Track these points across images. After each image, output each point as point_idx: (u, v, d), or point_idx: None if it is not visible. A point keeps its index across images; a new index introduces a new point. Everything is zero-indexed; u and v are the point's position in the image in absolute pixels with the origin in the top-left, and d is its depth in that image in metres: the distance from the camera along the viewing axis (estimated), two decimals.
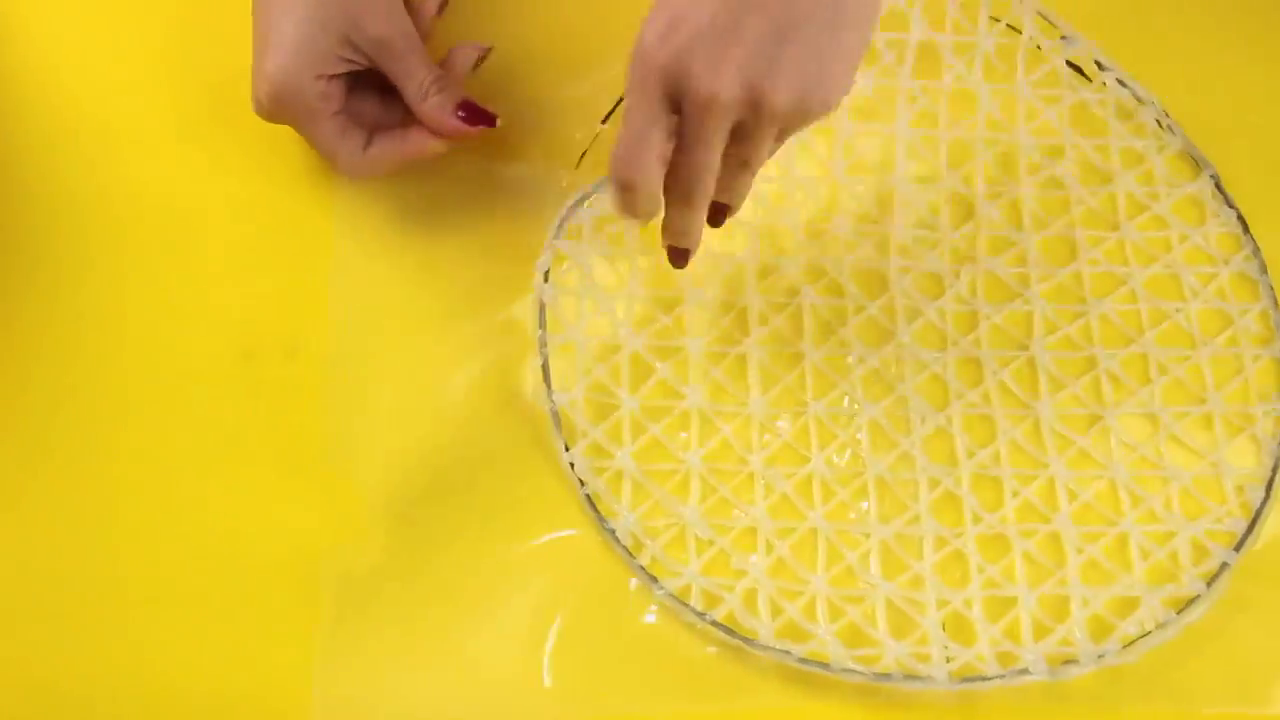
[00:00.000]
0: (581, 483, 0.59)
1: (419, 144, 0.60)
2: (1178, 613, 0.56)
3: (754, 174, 0.55)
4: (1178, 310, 0.63)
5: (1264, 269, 0.63)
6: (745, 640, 0.56)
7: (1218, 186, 0.65)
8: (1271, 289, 0.63)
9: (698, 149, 0.51)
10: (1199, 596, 0.57)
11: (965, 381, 0.61)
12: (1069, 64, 0.67)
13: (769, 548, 0.58)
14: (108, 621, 0.56)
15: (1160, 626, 0.56)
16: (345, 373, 0.61)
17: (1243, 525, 0.58)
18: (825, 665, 0.55)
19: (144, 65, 0.65)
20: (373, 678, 0.56)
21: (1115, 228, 0.64)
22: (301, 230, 0.63)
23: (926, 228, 0.64)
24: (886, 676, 0.55)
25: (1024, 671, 0.55)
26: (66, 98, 0.65)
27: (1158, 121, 0.66)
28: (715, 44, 0.48)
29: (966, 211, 0.65)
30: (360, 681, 0.56)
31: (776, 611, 0.57)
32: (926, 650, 0.56)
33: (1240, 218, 0.64)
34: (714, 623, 0.56)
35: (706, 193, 0.53)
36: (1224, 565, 0.57)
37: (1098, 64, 0.67)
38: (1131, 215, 0.65)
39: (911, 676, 0.55)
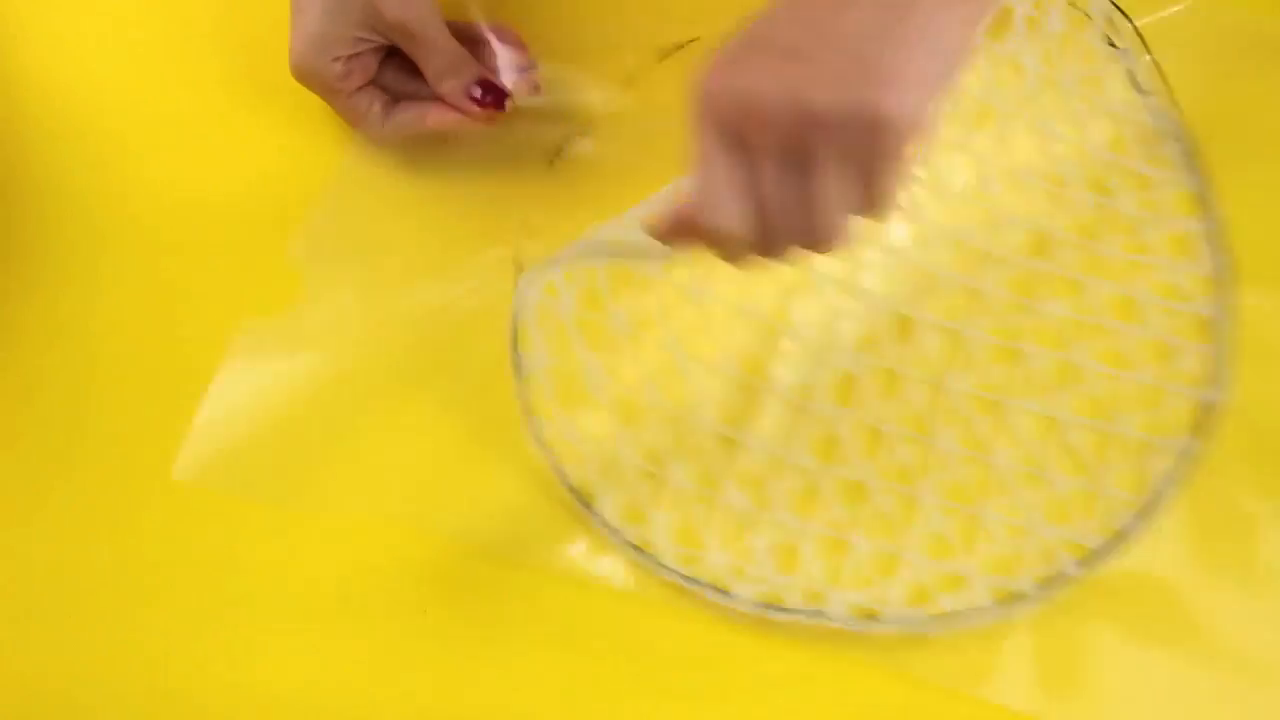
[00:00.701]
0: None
1: (438, 120, 0.63)
2: (998, 603, 0.57)
3: (821, 215, 0.45)
4: (1122, 331, 0.62)
5: (1226, 316, 0.62)
6: (583, 504, 0.59)
7: (1214, 233, 0.64)
8: (1225, 340, 0.62)
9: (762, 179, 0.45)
10: (1027, 596, 0.57)
11: (890, 337, 0.62)
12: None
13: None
14: (107, 621, 0.57)
15: (976, 610, 0.56)
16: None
17: (1099, 544, 0.58)
18: (652, 557, 0.58)
19: (143, 64, 0.68)
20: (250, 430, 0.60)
21: (1095, 236, 0.64)
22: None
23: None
24: (694, 581, 0.57)
25: (819, 613, 0.56)
26: (67, 98, 0.67)
27: (1183, 157, 0.65)
28: (750, 55, 0.45)
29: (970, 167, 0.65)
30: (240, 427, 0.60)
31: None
32: (745, 567, 0.58)
33: (1227, 266, 0.63)
34: (570, 488, 0.59)
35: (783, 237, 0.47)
36: (1062, 574, 0.57)
37: (1138, 85, 0.66)
38: (1117, 231, 0.64)
39: (720, 590, 0.57)
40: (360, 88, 0.62)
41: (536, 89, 0.64)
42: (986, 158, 0.65)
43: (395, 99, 0.63)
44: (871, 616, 0.56)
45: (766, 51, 0.44)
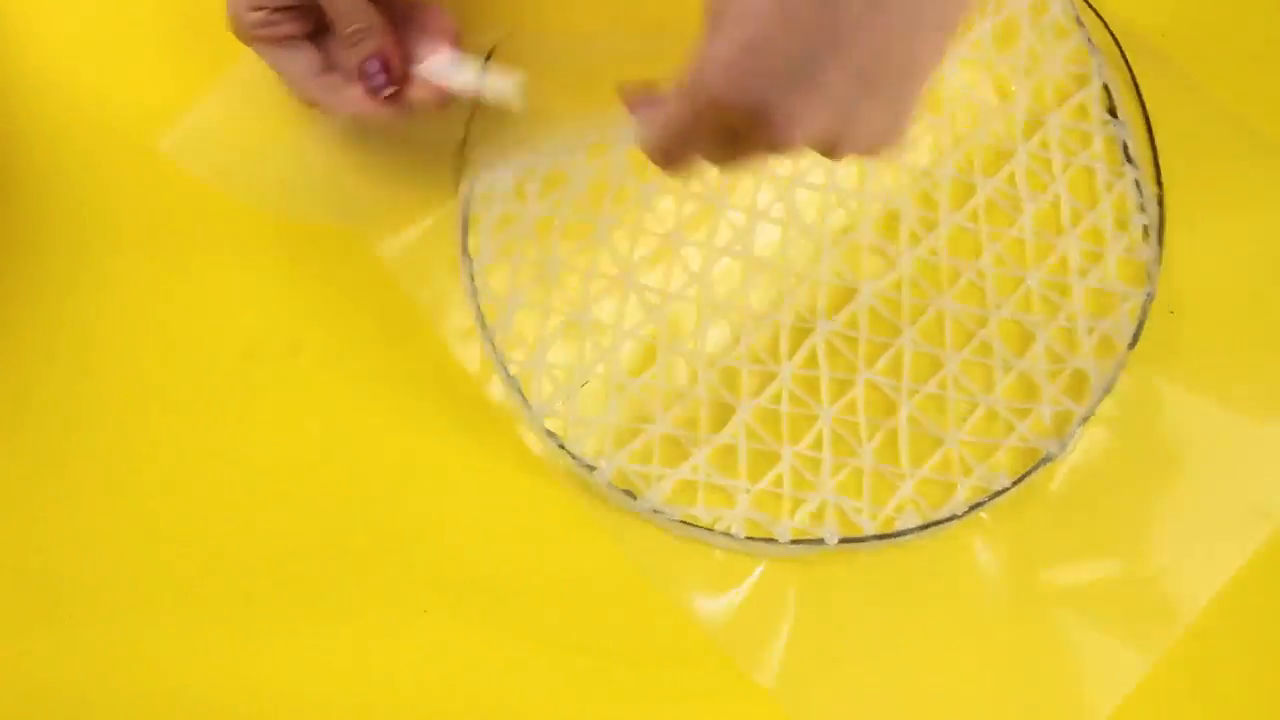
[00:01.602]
0: None
1: (356, 104, 0.56)
2: (748, 536, 0.58)
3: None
4: (1001, 356, 0.62)
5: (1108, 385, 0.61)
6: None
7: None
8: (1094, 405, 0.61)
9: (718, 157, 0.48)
10: (777, 543, 0.57)
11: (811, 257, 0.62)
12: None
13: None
14: (108, 621, 0.56)
15: (722, 534, 0.58)
16: None
17: (871, 531, 0.58)
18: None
19: (143, 63, 0.64)
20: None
21: (1026, 265, 0.63)
22: (303, 226, 0.63)
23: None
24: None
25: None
26: (65, 97, 0.64)
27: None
28: (795, 92, 0.42)
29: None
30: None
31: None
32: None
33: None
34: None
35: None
36: (820, 540, 0.58)
37: (1128, 155, 0.65)
38: (1055, 271, 0.64)
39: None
40: (287, 40, 0.56)
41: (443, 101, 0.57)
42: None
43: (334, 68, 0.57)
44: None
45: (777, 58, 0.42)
